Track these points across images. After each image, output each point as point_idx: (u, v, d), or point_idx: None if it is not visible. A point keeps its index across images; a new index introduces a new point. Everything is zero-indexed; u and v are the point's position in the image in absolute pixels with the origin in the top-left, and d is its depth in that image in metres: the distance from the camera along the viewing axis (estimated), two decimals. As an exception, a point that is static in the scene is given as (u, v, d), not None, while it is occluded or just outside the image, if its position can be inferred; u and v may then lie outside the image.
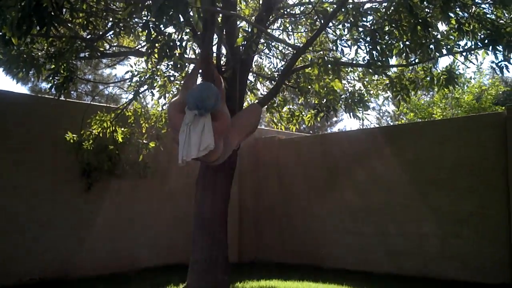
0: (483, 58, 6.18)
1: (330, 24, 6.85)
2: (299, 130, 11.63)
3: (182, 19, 4.63)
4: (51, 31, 4.31)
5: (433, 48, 5.93)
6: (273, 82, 8.60)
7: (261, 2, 7.44)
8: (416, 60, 6.47)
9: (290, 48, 8.03)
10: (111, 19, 6.56)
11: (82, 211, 8.02)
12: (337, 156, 9.35)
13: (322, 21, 6.55)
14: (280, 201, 10.05)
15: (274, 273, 7.99)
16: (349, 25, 6.24)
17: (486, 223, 7.35)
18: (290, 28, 8.38)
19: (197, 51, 7.30)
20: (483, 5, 6.04)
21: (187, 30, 5.92)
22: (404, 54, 6.05)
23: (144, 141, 8.02)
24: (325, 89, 7.59)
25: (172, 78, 7.24)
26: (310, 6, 7.26)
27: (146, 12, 5.19)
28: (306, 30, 8.42)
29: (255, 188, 10.45)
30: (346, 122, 39.25)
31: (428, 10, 5.91)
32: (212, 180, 6.25)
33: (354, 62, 7.19)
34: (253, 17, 7.55)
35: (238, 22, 6.96)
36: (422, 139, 8.21)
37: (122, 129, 7.83)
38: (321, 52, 7.31)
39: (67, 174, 7.88)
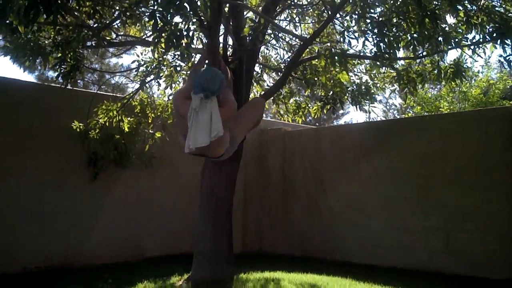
0: (491, 52, 6.12)
1: (338, 15, 6.83)
2: (305, 122, 11.60)
3: (189, 9, 4.63)
4: (57, 19, 4.31)
5: (441, 41, 5.89)
6: (279, 73, 8.59)
7: (268, -8, 7.41)
8: (424, 53, 6.43)
9: (297, 39, 8.01)
10: (117, 8, 6.55)
11: (88, 200, 8.05)
12: (343, 149, 9.33)
13: (330, 12, 6.51)
14: (285, 192, 10.06)
15: (278, 264, 8.00)
16: (356, 16, 6.22)
17: (491, 218, 7.32)
18: (297, 19, 8.35)
19: (204, 41, 7.30)
20: (492, -2, 6.00)
21: (194, 20, 5.90)
22: (411, 47, 6.00)
23: (150, 131, 8.04)
24: (332, 81, 7.55)
25: (178, 68, 7.22)
26: (318, -3, 7.24)
27: (152, 2, 5.18)
28: (313, 21, 8.39)
29: (261, 179, 10.46)
30: (353, 115, 39.16)
31: (437, 3, 5.87)
32: (218, 171, 6.27)
33: (361, 54, 7.15)
34: (260, 8, 7.52)
35: (245, 13, 6.93)
36: (429, 133, 8.18)
37: (129, 118, 7.84)
38: (328, 44, 7.27)
39: (73, 163, 7.91)
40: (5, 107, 7.36)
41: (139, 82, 7.66)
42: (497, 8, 5.86)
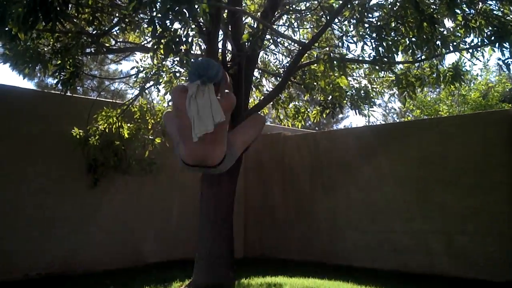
0: (489, 55, 6.14)
1: (336, 20, 6.85)
2: (304, 126, 11.60)
3: (188, 15, 4.64)
4: (57, 26, 4.33)
5: (439, 44, 5.90)
6: (278, 78, 8.60)
7: (266, -2, 7.44)
8: (423, 57, 6.45)
9: (295, 44, 8.02)
10: (117, 15, 6.57)
11: (88, 206, 8.04)
12: (342, 153, 9.33)
13: (328, 17, 6.53)
14: (285, 197, 10.05)
15: (280, 269, 7.99)
16: (355, 21, 6.23)
17: (491, 220, 7.31)
18: (295, 24, 8.37)
19: (203, 47, 7.32)
20: (489, 2, 6.01)
21: (193, 26, 5.92)
22: (410, 51, 6.02)
23: (150, 137, 8.03)
24: (331, 85, 7.57)
25: (178, 74, 7.23)
26: (316, 2, 7.25)
27: (151, 8, 5.20)
28: (311, 26, 8.41)
29: (261, 184, 10.45)
30: (352, 119, 39.12)
31: (435, 7, 5.89)
32: (218, 176, 6.26)
33: (360, 58, 7.17)
34: (259, 13, 7.54)
35: (243, 18, 6.95)
36: (428, 136, 8.18)
37: (128, 125, 7.85)
38: (327, 49, 7.29)
39: (73, 169, 7.90)
40: (4, 114, 7.36)
41: (138, 88, 7.67)
42: (495, 12, 5.88)
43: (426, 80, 6.99)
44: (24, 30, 4.22)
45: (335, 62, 6.00)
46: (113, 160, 7.89)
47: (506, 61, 5.74)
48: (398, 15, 5.89)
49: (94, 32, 6.65)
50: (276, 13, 7.28)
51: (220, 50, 6.66)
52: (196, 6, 4.60)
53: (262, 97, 8.61)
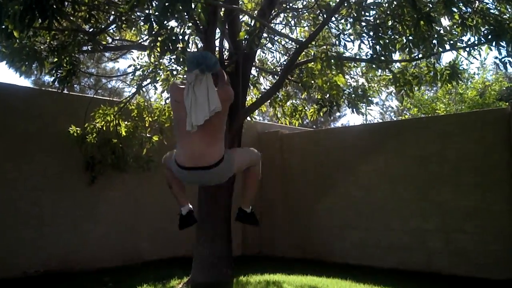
0: (486, 54, 6.17)
1: (333, 18, 6.84)
2: (302, 124, 11.62)
3: (185, 13, 4.64)
4: (53, 24, 4.32)
5: (436, 43, 5.90)
6: (276, 76, 8.60)
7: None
8: (419, 55, 6.45)
9: (293, 43, 8.02)
10: (113, 13, 6.57)
11: (86, 204, 8.04)
12: (340, 151, 9.33)
13: (325, 16, 6.53)
14: (283, 195, 10.06)
15: (278, 267, 8.00)
16: (352, 19, 6.24)
17: (490, 218, 7.33)
18: (292, 22, 8.36)
19: (199, 45, 7.31)
20: (486, 0, 6.01)
21: (190, 24, 5.92)
22: (407, 49, 6.01)
23: (147, 134, 8.03)
24: (328, 84, 7.57)
25: (174, 72, 7.24)
26: (313, 0, 7.25)
27: (148, 6, 5.20)
28: (309, 24, 8.41)
29: (258, 182, 10.43)
30: (350, 117, 39.14)
31: (431, 5, 5.89)
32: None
33: (357, 57, 7.17)
34: (256, 11, 7.54)
35: (240, 16, 6.95)
36: (426, 135, 8.19)
37: (126, 122, 7.85)
38: (324, 47, 7.30)
39: (71, 167, 7.90)
40: (1, 112, 7.34)
41: (135, 86, 7.67)
42: (491, 10, 5.87)
43: (423, 79, 6.99)
44: (21, 28, 4.21)
45: (332, 60, 6.01)
46: (111, 158, 7.87)
47: (503, 60, 5.72)
48: (395, 14, 5.90)
49: (90, 30, 6.65)
50: (273, 11, 7.28)
51: (217, 48, 6.66)
52: (193, 6, 4.60)
53: (260, 95, 8.61)
